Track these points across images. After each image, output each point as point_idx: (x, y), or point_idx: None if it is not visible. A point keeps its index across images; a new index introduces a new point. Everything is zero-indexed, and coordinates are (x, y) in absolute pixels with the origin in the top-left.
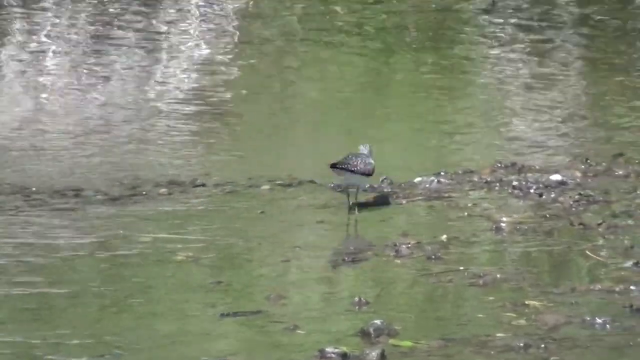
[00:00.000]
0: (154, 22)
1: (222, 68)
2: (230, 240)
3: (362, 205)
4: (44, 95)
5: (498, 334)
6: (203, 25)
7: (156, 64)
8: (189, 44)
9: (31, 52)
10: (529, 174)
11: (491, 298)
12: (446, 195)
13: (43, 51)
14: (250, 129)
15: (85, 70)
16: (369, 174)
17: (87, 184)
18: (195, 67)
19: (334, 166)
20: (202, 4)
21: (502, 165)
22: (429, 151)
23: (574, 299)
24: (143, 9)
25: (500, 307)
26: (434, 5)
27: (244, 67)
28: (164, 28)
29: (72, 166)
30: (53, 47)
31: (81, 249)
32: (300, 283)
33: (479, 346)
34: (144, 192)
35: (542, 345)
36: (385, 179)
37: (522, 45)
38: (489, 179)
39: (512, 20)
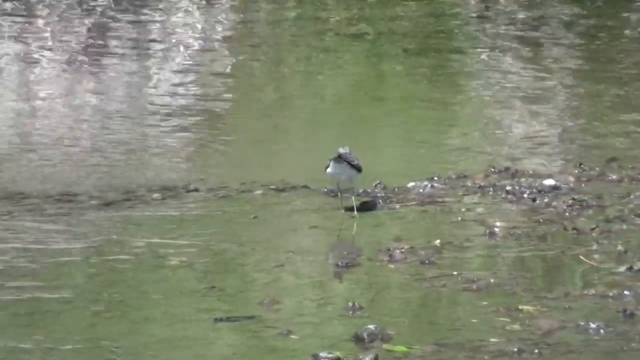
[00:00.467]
0: (147, 27)
1: (216, 73)
2: (223, 245)
3: (354, 210)
4: (36, 101)
5: (492, 339)
6: (197, 31)
7: (149, 69)
8: (182, 49)
9: (24, 58)
10: (523, 179)
11: (485, 303)
12: (440, 200)
13: (36, 57)
14: (243, 134)
15: (78, 76)
16: (360, 171)
17: (81, 188)
18: (189, 72)
19: (339, 158)
20: (197, 9)
21: (496, 170)
22: (422, 156)
23: (567, 303)
24: (137, 14)
25: (493, 312)
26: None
27: (237, 72)
28: (157, 33)
29: (65, 171)
30: (46, 53)
31: (74, 254)
32: (294, 288)
33: (473, 351)
34: (137, 197)
35: (536, 351)
36: (378, 183)
37: (516, 51)
38: (482, 184)
39: (506, 26)
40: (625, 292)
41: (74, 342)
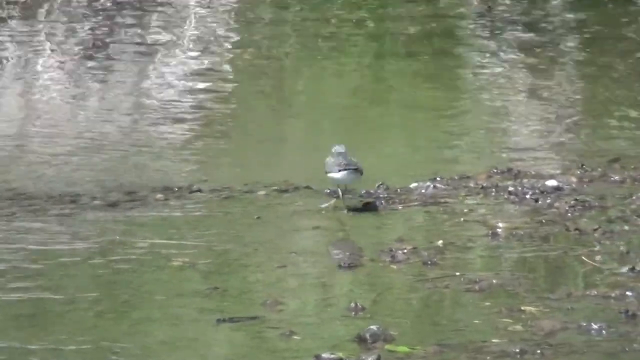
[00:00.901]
0: (149, 28)
1: (218, 74)
2: (226, 245)
3: (357, 211)
4: (40, 103)
5: (494, 340)
6: (199, 32)
7: (152, 70)
8: (185, 50)
9: (26, 61)
10: (525, 180)
11: (487, 304)
12: (442, 200)
13: (38, 59)
14: (246, 135)
15: (80, 78)
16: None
17: (84, 189)
18: (191, 73)
19: (347, 168)
20: (198, 10)
21: (498, 171)
22: (424, 157)
23: (570, 304)
24: (138, 16)
25: (496, 312)
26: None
27: (239, 73)
28: (159, 34)
29: (68, 172)
30: (48, 55)
31: (77, 255)
32: (297, 289)
33: (475, 352)
34: (140, 198)
35: (538, 351)
36: (381, 184)
37: (518, 52)
38: (484, 185)
39: (507, 27)
40: (628, 293)
41: (77, 343)
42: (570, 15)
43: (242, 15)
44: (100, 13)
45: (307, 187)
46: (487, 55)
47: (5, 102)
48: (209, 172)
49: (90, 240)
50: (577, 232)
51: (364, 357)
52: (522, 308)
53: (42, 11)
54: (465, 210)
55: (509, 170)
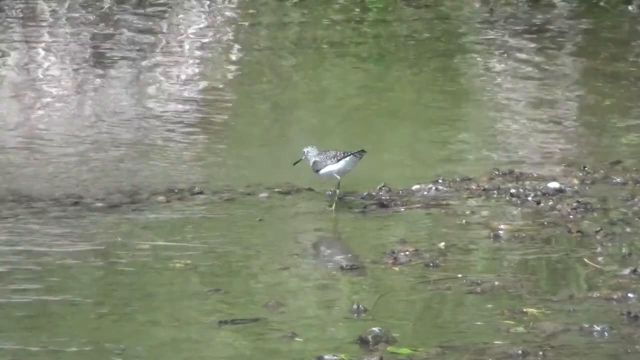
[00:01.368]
0: (151, 32)
1: (220, 77)
2: (228, 247)
3: (361, 213)
4: (42, 105)
5: (496, 342)
6: (201, 35)
7: (153, 74)
8: (187, 53)
9: (30, 63)
10: (527, 182)
11: (489, 306)
12: (444, 202)
13: (42, 62)
14: (248, 137)
15: (83, 81)
16: None
17: (86, 192)
18: (193, 76)
19: (349, 154)
20: (201, 13)
21: (500, 173)
22: (427, 159)
23: (571, 306)
24: (141, 20)
25: (498, 314)
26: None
27: (242, 75)
28: (161, 39)
29: (71, 174)
30: (52, 58)
31: (80, 257)
32: (299, 290)
33: (477, 354)
34: (142, 200)
35: (540, 353)
36: (383, 186)
37: (520, 54)
38: (486, 187)
39: (510, 29)
40: (629, 295)
41: (79, 345)
42: (573, 19)
43: (244, 19)
44: (103, 18)
45: (309, 190)
46: (490, 57)
47: (8, 105)
48: (211, 174)
49: (92, 242)
50: (579, 234)
51: (366, 359)
52: (524, 310)
53: (45, 15)
54: (467, 212)
55: (511, 172)
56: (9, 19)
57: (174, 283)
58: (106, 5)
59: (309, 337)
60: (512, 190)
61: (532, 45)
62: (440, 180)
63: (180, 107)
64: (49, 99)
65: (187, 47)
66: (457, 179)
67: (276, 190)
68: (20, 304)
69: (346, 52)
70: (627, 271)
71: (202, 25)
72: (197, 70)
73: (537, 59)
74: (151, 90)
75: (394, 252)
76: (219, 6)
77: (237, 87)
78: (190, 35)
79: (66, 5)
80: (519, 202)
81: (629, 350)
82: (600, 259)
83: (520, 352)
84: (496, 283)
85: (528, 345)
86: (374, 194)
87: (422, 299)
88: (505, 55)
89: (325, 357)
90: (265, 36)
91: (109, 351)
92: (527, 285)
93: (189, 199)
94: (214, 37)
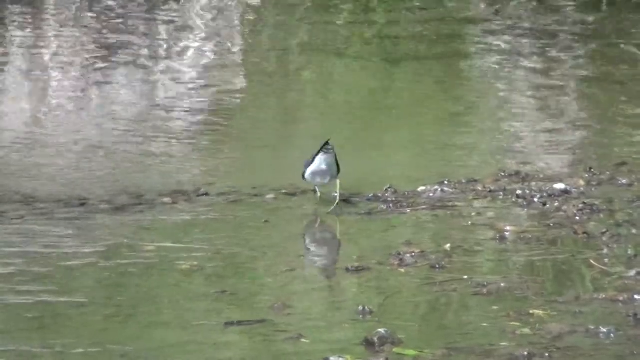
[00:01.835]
0: (158, 30)
1: (226, 77)
2: (234, 249)
3: (366, 215)
4: (47, 107)
5: (502, 343)
6: (206, 35)
7: (158, 75)
8: (192, 53)
9: (34, 64)
10: (533, 183)
11: (495, 307)
12: (450, 204)
13: (46, 63)
14: (254, 138)
15: (89, 83)
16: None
17: (92, 193)
18: (199, 76)
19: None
20: (204, 14)
21: (506, 174)
22: (432, 160)
23: (578, 308)
24: (146, 20)
25: (504, 316)
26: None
27: (247, 76)
28: (165, 38)
29: (76, 175)
30: (55, 61)
31: (85, 258)
32: (305, 292)
33: (483, 355)
34: (148, 202)
35: (546, 355)
36: (388, 187)
37: (526, 55)
38: (492, 188)
39: (516, 29)
40: (636, 297)
41: (85, 347)
42: (580, 20)
43: (247, 19)
44: (107, 18)
45: (315, 191)
46: (495, 58)
47: (13, 106)
48: (216, 175)
49: (98, 244)
50: (585, 235)
51: None
52: (530, 311)
53: (50, 14)
54: (473, 214)
55: (517, 173)
56: (14, 20)
57: (179, 284)
58: (113, 7)
59: (315, 338)
60: (518, 192)
61: (539, 46)
62: (446, 182)
63: (184, 108)
64: (55, 100)
65: (191, 48)
66: (463, 181)
67: (282, 191)
68: (25, 305)
69: (351, 54)
70: (633, 273)
71: (208, 27)
72: (202, 72)
73: (544, 60)
74: (157, 91)
75: (399, 254)
76: (225, 6)
77: (243, 89)
78: (195, 37)
79: (74, 7)
80: (525, 203)
81: (635, 352)
82: (606, 260)
83: (526, 353)
84: (502, 284)
85: (534, 347)
86: (379, 195)
87: (428, 301)
88: (511, 56)
89: (331, 358)
90: (270, 38)
91: (114, 353)
92: (533, 287)
93: (194, 200)
94: (220, 39)
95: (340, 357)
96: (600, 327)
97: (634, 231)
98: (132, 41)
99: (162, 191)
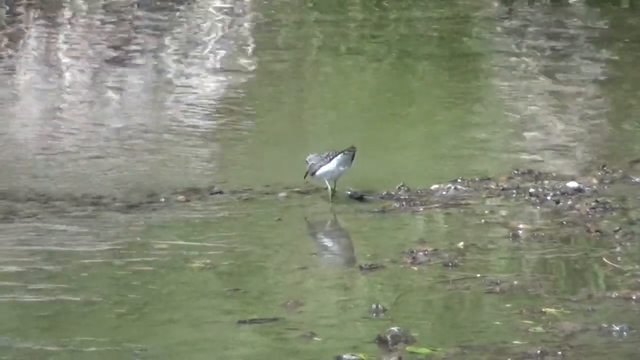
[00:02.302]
0: (170, 30)
1: (238, 76)
2: (247, 247)
3: (379, 213)
4: (60, 106)
5: (515, 342)
6: (217, 35)
7: (170, 74)
8: (204, 53)
9: (47, 64)
10: (546, 181)
11: (508, 305)
12: (463, 202)
13: (59, 63)
14: (267, 137)
15: (103, 83)
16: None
17: (105, 191)
18: (211, 75)
19: (340, 152)
20: (217, 14)
21: (519, 173)
22: (445, 158)
23: (590, 306)
24: (158, 22)
25: (517, 314)
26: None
27: (259, 74)
28: (177, 38)
29: (89, 174)
30: (69, 60)
31: (98, 256)
32: (317, 290)
33: (496, 353)
34: (161, 200)
35: (559, 353)
36: (402, 186)
37: (539, 54)
38: (505, 186)
39: (529, 29)
40: None
41: (98, 345)
42: (592, 19)
43: (260, 18)
44: (120, 18)
45: (327, 189)
46: (508, 57)
47: (26, 105)
48: (229, 173)
49: (111, 242)
50: (597, 233)
51: (384, 359)
52: (543, 309)
53: (64, 15)
54: (486, 212)
55: (530, 171)
56: (24, 21)
57: (192, 283)
58: (126, 9)
59: (327, 336)
60: (531, 190)
61: (552, 45)
62: (459, 180)
63: (197, 107)
64: (68, 100)
65: (203, 48)
66: (476, 179)
67: (295, 189)
68: (38, 303)
69: (364, 52)
70: None
71: (219, 27)
72: (215, 71)
73: (557, 59)
74: (167, 91)
75: (412, 252)
76: (237, 5)
77: (255, 88)
78: (207, 37)
79: (85, 7)
80: (538, 201)
81: None
82: (619, 258)
83: (539, 351)
84: (515, 283)
85: (547, 345)
86: (392, 193)
87: (441, 299)
88: (524, 55)
89: (344, 356)
90: (281, 36)
91: (128, 351)
92: (546, 285)
93: (207, 198)
94: (231, 38)
95: (353, 355)
96: (613, 325)
97: None
98: (146, 41)
99: (176, 189)
